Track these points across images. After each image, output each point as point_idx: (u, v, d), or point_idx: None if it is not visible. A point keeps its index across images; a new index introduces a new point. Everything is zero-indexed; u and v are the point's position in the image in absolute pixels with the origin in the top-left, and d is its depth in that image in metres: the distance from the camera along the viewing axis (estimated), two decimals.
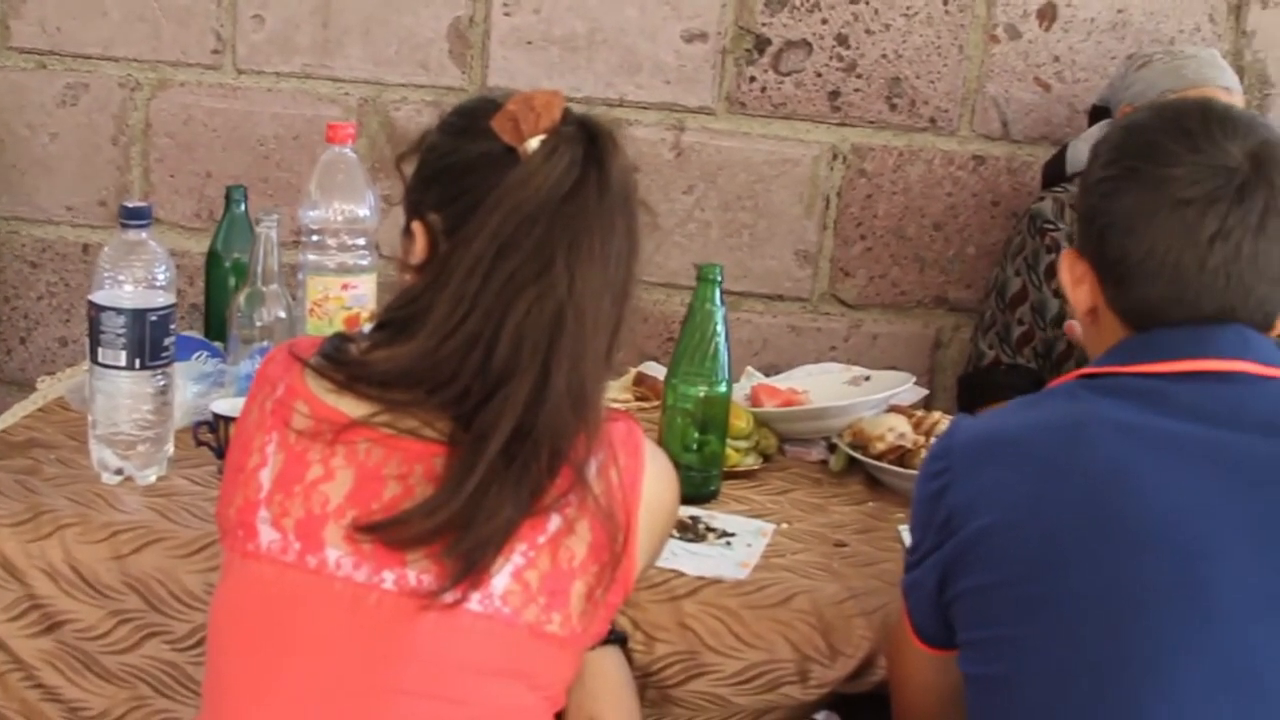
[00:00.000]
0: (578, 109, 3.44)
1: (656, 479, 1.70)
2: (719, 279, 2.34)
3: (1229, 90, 3.14)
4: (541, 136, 1.66)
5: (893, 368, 3.65)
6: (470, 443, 1.58)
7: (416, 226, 1.72)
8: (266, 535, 1.62)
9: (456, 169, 1.70)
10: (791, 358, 3.67)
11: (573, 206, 1.63)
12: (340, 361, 1.66)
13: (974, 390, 3.33)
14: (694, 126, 3.57)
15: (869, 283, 3.67)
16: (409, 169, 1.77)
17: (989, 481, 1.64)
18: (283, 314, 2.41)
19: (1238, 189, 1.63)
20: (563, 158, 1.64)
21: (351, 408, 1.62)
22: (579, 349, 1.62)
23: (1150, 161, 1.67)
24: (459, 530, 1.56)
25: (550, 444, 1.59)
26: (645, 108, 3.55)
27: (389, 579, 1.58)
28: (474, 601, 1.58)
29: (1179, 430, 1.59)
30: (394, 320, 1.69)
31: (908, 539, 2.27)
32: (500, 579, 1.59)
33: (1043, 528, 1.59)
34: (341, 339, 1.71)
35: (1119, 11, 3.52)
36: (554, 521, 1.60)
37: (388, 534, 1.57)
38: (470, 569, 1.56)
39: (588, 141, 1.67)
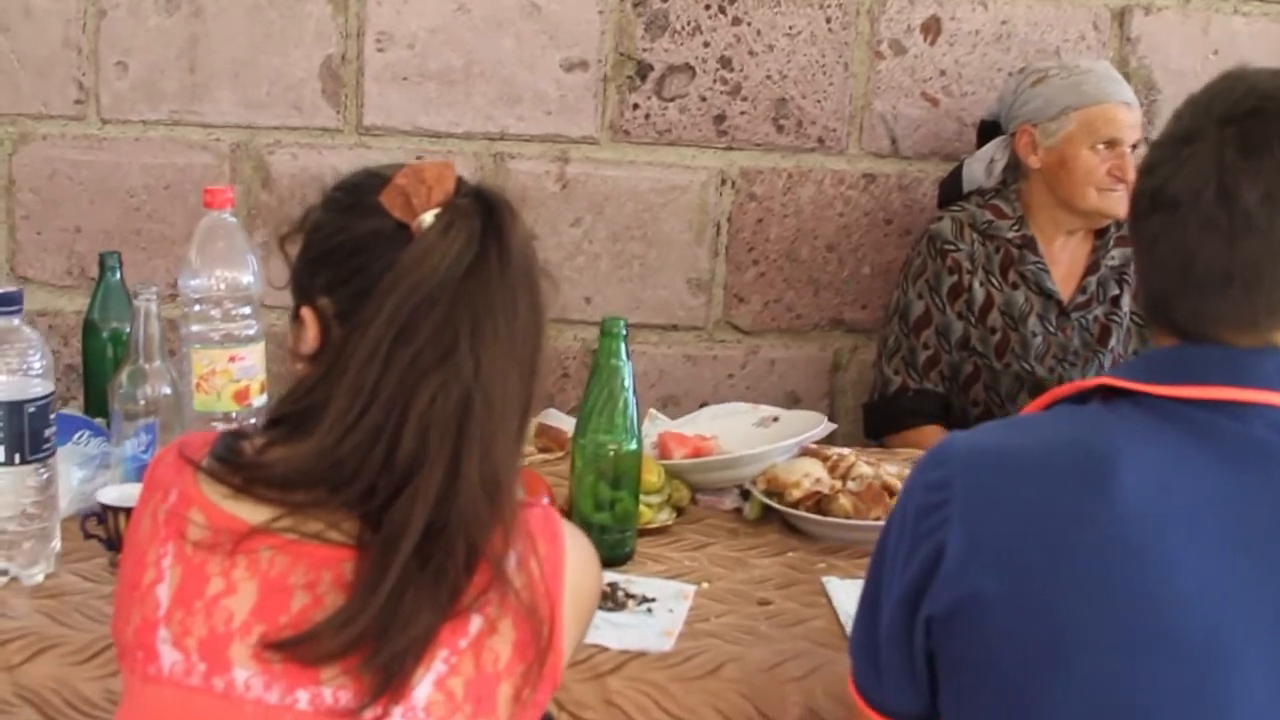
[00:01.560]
0: (458, 144, 3.38)
1: (579, 566, 1.61)
2: (623, 333, 2.26)
3: (1129, 105, 3.12)
4: (435, 211, 1.55)
5: (792, 393, 3.62)
6: (380, 544, 1.48)
7: (306, 313, 1.60)
8: (168, 657, 1.50)
9: (345, 249, 1.58)
10: (689, 388, 3.61)
11: (473, 284, 1.52)
12: (235, 463, 1.55)
13: (881, 418, 3.28)
14: (578, 157, 3.48)
15: (764, 308, 3.61)
16: (293, 250, 1.65)
17: (996, 522, 1.45)
18: (168, 390, 2.29)
19: (1185, 158, 1.48)
20: (460, 233, 1.53)
21: (250, 513, 1.51)
22: (490, 435, 1.52)
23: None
24: (375, 641, 1.45)
25: (466, 540, 1.49)
26: (528, 140, 3.46)
27: (303, 699, 1.47)
28: (396, 716, 1.47)
29: (1213, 481, 1.42)
30: (289, 415, 1.57)
31: (832, 591, 2.21)
32: (422, 690, 1.48)
33: (1050, 606, 1.41)
34: (235, 437, 1.59)
35: (1003, 23, 3.48)
36: (475, 623, 1.50)
37: (299, 651, 1.46)
38: (390, 682, 1.46)
39: (485, 214, 1.56)
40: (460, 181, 1.59)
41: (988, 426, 1.60)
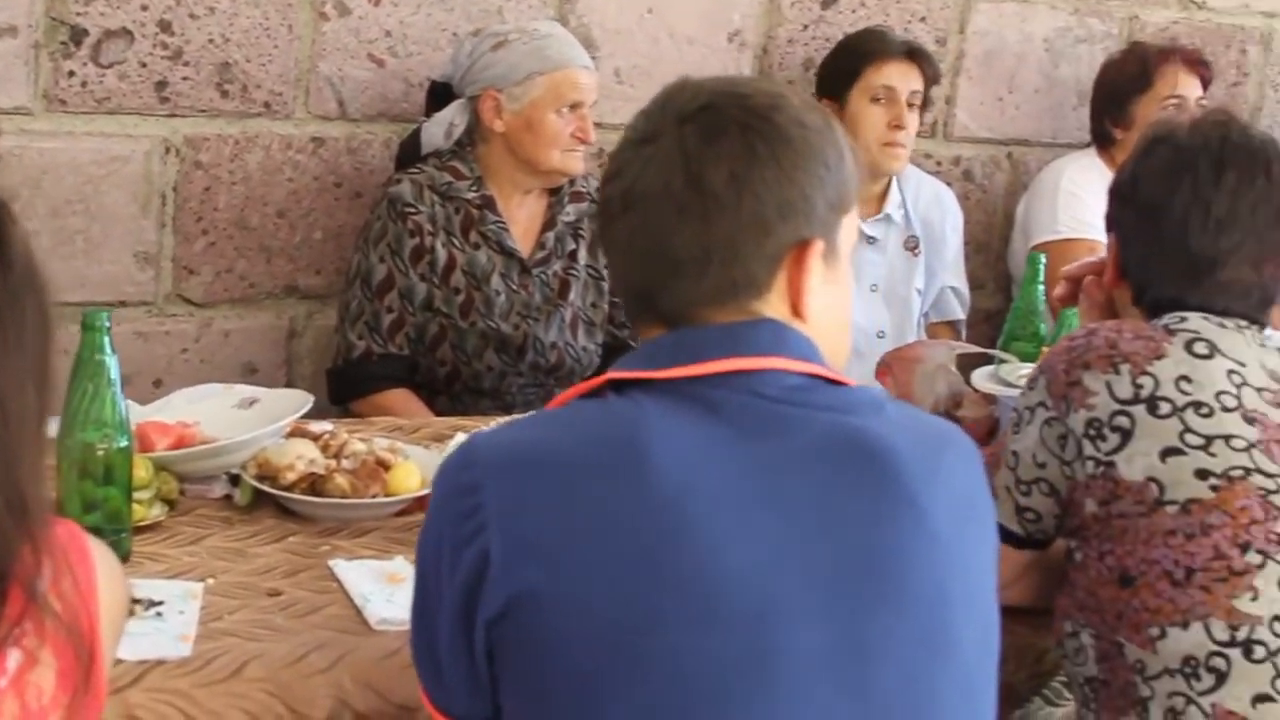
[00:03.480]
0: None
1: (110, 577, 1.52)
2: (106, 325, 2.14)
3: (589, 69, 3.19)
4: None
5: (249, 364, 3.54)
6: None
7: None
8: None
9: None
10: (141, 366, 3.47)
11: None
12: None
13: (346, 383, 3.26)
14: (11, 130, 3.27)
15: (216, 278, 3.51)
16: None
17: (535, 520, 1.45)
18: None
19: (650, 156, 1.55)
20: None
21: None
22: (11, 452, 1.40)
23: None
24: None
25: None
26: None
27: None
28: None
29: (735, 452, 1.46)
30: None
31: (341, 574, 2.17)
32: None
33: (605, 597, 1.42)
34: None
35: None
36: (13, 658, 1.40)
37: None
38: None
39: None
40: None
41: (511, 424, 1.61)
